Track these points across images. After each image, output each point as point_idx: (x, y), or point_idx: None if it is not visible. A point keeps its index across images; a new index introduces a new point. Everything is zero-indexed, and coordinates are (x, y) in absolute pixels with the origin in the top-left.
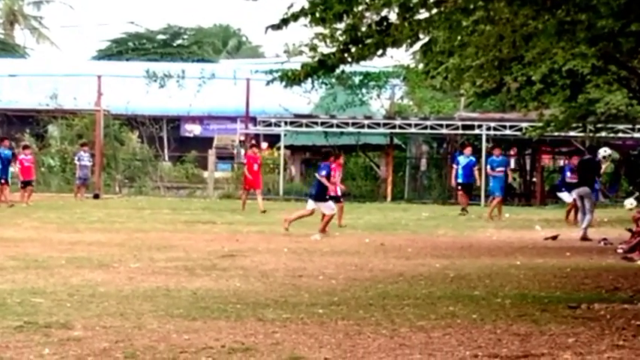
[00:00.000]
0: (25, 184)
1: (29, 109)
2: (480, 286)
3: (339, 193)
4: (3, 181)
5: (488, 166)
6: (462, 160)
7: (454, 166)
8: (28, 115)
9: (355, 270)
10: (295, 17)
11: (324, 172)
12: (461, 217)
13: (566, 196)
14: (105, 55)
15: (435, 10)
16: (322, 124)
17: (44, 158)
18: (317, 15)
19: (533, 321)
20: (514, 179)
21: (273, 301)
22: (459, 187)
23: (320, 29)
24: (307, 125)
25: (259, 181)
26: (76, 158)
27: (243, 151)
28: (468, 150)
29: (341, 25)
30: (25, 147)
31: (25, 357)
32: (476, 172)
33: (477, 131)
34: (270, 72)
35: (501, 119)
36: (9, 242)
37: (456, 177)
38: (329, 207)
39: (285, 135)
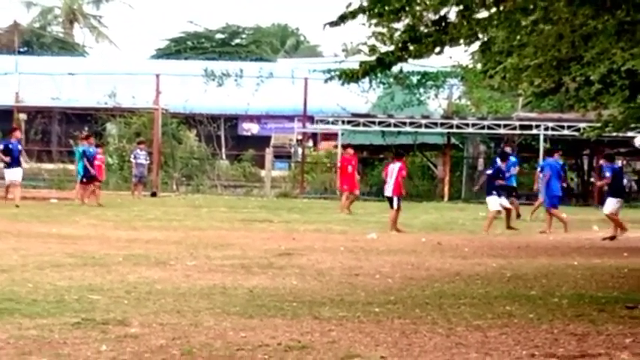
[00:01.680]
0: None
1: (88, 108)
2: (536, 285)
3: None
4: (85, 180)
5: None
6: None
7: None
8: (86, 114)
9: (411, 269)
10: (354, 15)
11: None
12: (518, 218)
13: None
14: (163, 53)
15: (494, 10)
16: (380, 123)
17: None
18: (375, 10)
19: (591, 321)
20: (572, 179)
21: (329, 299)
22: None
23: (378, 29)
24: (365, 124)
25: (354, 182)
26: (132, 156)
27: (300, 150)
28: (506, 150)
29: (399, 25)
30: (98, 145)
31: (82, 353)
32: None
33: (534, 131)
34: (328, 71)
35: (559, 119)
36: (67, 239)
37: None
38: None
39: (342, 134)
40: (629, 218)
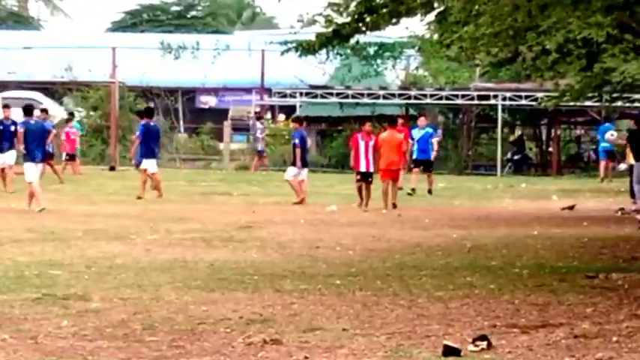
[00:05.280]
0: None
1: (44, 82)
2: (497, 256)
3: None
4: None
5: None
6: (416, 133)
7: (410, 141)
8: (42, 88)
9: (372, 241)
10: None
11: None
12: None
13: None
14: (119, 26)
15: None
16: (337, 94)
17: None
18: None
19: (551, 291)
20: (530, 149)
21: (290, 272)
22: (413, 165)
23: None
24: (322, 96)
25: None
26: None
27: (258, 125)
28: (421, 121)
29: None
30: (68, 120)
31: (43, 329)
32: (434, 144)
33: (492, 101)
34: (285, 43)
35: (517, 89)
36: (26, 215)
37: (411, 153)
38: None
39: (300, 106)
40: (588, 188)
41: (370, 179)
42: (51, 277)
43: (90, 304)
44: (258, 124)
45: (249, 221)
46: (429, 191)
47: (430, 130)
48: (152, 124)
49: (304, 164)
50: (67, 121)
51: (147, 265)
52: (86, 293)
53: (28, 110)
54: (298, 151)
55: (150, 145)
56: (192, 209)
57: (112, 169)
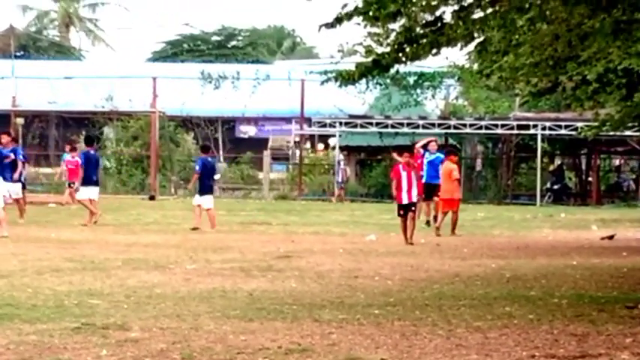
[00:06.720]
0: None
1: (85, 111)
2: (536, 286)
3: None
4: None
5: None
6: (427, 157)
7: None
8: (83, 117)
9: (411, 271)
10: (349, 16)
11: None
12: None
13: None
14: (160, 56)
15: (489, 10)
16: (377, 124)
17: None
18: (371, 14)
19: (591, 321)
20: (569, 179)
21: (329, 302)
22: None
23: (374, 29)
24: (362, 126)
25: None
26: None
27: (298, 152)
28: (432, 146)
29: (395, 26)
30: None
31: (82, 358)
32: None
33: (532, 131)
34: (325, 72)
35: (557, 119)
36: (66, 244)
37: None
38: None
39: (340, 136)
40: (628, 217)
41: (414, 209)
42: (90, 306)
43: (129, 334)
44: (341, 156)
45: (288, 251)
46: (427, 222)
47: (441, 155)
48: (92, 152)
49: (208, 191)
50: (71, 150)
51: (186, 295)
52: (125, 323)
53: None
54: (196, 176)
55: (88, 173)
56: (232, 239)
57: (152, 198)
